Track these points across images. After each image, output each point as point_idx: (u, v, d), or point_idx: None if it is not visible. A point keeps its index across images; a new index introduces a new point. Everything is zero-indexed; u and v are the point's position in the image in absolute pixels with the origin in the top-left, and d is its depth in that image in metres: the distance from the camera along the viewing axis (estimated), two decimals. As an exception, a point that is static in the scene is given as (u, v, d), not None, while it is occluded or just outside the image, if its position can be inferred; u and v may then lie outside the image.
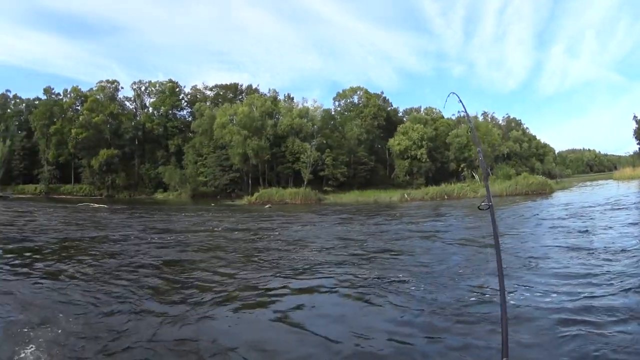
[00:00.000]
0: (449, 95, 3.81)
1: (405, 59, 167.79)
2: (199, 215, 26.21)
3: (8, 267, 8.61)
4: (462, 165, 54.59)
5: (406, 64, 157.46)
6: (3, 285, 7.12)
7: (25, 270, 8.37)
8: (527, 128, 61.73)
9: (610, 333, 4.35)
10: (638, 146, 79.76)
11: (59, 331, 4.92)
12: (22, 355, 4.24)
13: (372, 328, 5.00)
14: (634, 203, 19.57)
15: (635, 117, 79.44)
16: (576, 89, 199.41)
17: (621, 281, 6.20)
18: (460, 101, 3.69)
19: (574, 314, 4.93)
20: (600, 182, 52.52)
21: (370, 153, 59.39)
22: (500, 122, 61.54)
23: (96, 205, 35.64)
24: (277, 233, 15.24)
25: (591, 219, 14.94)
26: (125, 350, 4.48)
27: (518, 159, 53.42)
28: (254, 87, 69.36)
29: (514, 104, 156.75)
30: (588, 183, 51.98)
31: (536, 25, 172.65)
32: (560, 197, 30.98)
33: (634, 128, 78.44)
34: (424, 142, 58.07)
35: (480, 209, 2.49)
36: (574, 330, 4.50)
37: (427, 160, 57.94)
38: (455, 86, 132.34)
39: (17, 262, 9.28)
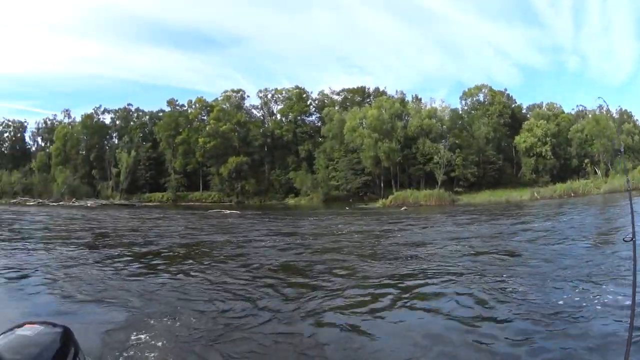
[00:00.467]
0: (597, 100, 3.43)
1: (522, 53, 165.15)
2: (336, 218, 27.60)
3: (143, 267, 9.74)
4: (585, 161, 54.95)
5: (524, 59, 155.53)
6: (129, 283, 7.99)
7: (153, 270, 9.48)
8: (637, 120, 62.12)
9: None
10: None
11: (175, 322, 5.52)
12: (138, 339, 4.84)
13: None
14: None
15: None
16: None
17: None
18: (605, 102, 4.13)
19: None
20: None
21: (498, 152, 60.76)
22: (614, 114, 61.18)
23: (227, 211, 37.60)
24: (410, 234, 16.32)
25: None
26: (232, 342, 5.04)
27: (631, 153, 53.43)
28: (380, 89, 70.78)
29: (626, 95, 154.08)
30: None
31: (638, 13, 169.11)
32: None
33: None
34: (547, 139, 59.19)
35: (625, 241, 2.43)
36: None
37: (551, 157, 59.10)
38: (571, 80, 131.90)
39: (151, 262, 10.53)
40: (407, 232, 17.35)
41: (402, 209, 38.26)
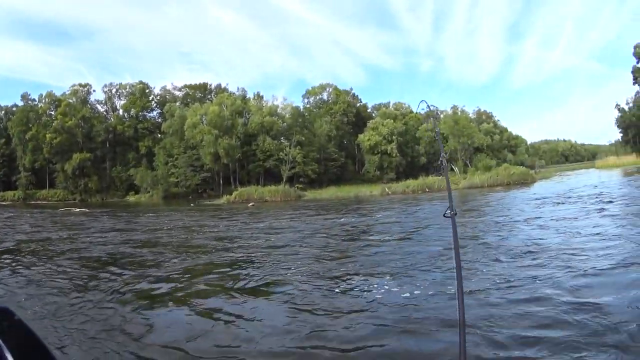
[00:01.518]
0: (420, 103, 4.04)
1: (373, 55, 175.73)
2: (178, 214, 28.16)
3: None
4: (439, 160, 52.37)
5: (374, 60, 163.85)
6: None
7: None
8: (498, 120, 63.19)
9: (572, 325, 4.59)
10: (620, 135, 79.36)
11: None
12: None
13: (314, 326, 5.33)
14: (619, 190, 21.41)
15: (617, 105, 79.19)
16: (552, 80, 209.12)
17: (580, 274, 6.63)
18: (429, 107, 3.75)
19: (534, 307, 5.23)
20: (581, 171, 55.52)
21: (340, 149, 62.46)
22: (471, 115, 64.02)
23: (77, 209, 37.90)
24: (257, 230, 16.62)
25: (564, 207, 16.70)
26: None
27: (490, 151, 56.43)
28: (223, 86, 72.66)
29: (485, 97, 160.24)
30: (568, 172, 54.75)
31: (509, 19, 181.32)
32: (542, 186, 32.54)
33: (616, 117, 78.13)
34: (394, 137, 60.83)
35: (445, 217, 2.39)
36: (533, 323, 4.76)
37: (397, 155, 60.68)
38: (424, 80, 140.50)
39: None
40: (254, 227, 17.89)
41: (250, 204, 38.72)
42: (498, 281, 6.50)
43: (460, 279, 2.00)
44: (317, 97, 68.22)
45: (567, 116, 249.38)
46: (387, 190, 44.14)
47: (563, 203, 18.17)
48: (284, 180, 53.53)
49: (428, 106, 3.63)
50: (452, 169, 50.98)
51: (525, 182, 40.02)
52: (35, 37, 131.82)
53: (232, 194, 47.54)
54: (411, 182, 45.55)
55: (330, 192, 48.18)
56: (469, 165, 53.29)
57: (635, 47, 67.09)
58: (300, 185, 53.92)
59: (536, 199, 21.51)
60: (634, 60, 69.42)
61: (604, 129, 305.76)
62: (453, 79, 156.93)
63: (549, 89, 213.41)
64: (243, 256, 10.45)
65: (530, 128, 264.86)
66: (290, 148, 55.91)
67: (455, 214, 2.30)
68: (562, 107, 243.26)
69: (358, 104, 70.15)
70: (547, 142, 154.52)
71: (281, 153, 56.21)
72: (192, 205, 41.95)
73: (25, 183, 64.52)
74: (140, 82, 69.61)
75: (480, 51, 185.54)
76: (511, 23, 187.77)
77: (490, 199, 25.36)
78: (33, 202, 59.28)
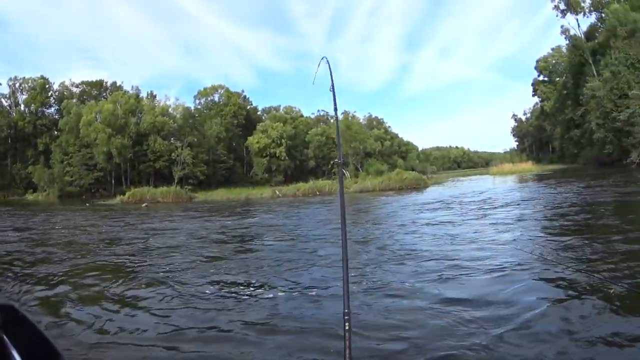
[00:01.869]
0: (321, 60, 3.59)
1: (267, 58, 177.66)
2: (77, 215, 27.96)
3: None
4: (332, 162, 56.74)
5: (267, 63, 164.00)
6: None
7: None
8: (389, 127, 64.06)
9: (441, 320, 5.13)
10: (516, 143, 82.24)
11: None
12: None
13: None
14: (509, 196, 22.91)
15: (514, 115, 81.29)
16: (448, 89, 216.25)
17: (447, 271, 7.40)
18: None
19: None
20: (475, 177, 57.55)
21: (230, 151, 63.90)
22: (362, 120, 66.54)
23: None
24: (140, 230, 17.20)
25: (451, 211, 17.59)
26: None
27: (380, 157, 57.91)
28: (118, 84, 73.22)
29: (378, 103, 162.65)
30: (462, 178, 56.65)
31: (408, 28, 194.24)
32: (434, 191, 34.19)
33: (512, 126, 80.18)
34: (283, 140, 62.34)
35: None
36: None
37: (286, 158, 62.25)
38: (316, 85, 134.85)
39: None
40: (144, 228, 18.26)
41: (143, 205, 39.22)
42: (364, 284, 7.03)
43: (346, 276, 2.25)
44: (209, 99, 69.09)
45: (462, 124, 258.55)
46: (277, 192, 45.07)
47: (448, 208, 19.00)
48: (176, 181, 54.56)
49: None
50: (343, 173, 49.73)
51: (417, 186, 40.95)
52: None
53: (125, 194, 48.06)
54: (302, 185, 46.55)
55: (220, 194, 49.00)
56: (360, 169, 54.56)
57: (537, 62, 70.52)
58: (190, 187, 54.61)
59: (421, 203, 22.55)
60: (535, 74, 75.91)
61: (500, 137, 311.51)
62: (345, 84, 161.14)
63: (444, 97, 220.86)
64: (121, 259, 10.71)
65: (423, 135, 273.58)
66: (182, 149, 57.07)
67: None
68: (457, 115, 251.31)
69: (249, 107, 71.10)
70: (438, 148, 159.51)
71: (173, 154, 57.51)
72: (87, 205, 42.12)
73: None
74: (42, 77, 69.32)
75: (375, 58, 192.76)
76: (410, 32, 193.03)
77: (376, 203, 26.38)
78: None
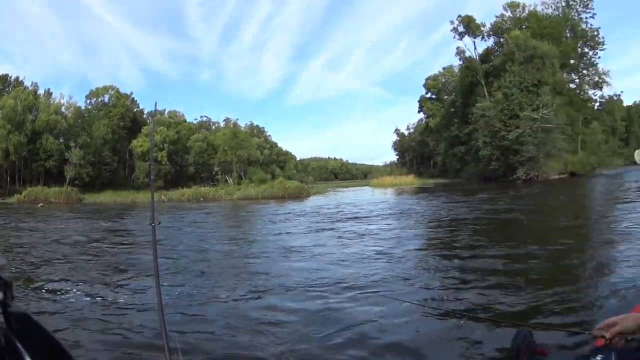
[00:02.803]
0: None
1: (157, 61, 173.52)
2: None
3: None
4: (216, 169, 59.07)
5: (157, 66, 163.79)
6: None
7: None
8: (269, 135, 64.37)
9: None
10: (397, 157, 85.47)
11: None
12: None
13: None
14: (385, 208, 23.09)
15: (397, 130, 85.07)
16: (332, 101, 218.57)
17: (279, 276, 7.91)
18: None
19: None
20: (355, 188, 58.75)
21: (114, 153, 63.23)
22: (243, 128, 67.82)
23: None
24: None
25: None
26: None
27: (259, 165, 59.16)
28: (20, 79, 69.86)
29: (264, 111, 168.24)
30: (342, 189, 57.68)
31: (300, 38, 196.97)
32: (314, 201, 34.72)
33: (394, 140, 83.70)
34: (165, 145, 62.53)
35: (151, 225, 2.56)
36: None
37: (167, 163, 62.43)
38: (202, 90, 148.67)
39: None
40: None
41: (39, 205, 38.81)
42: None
43: (158, 286, 2.21)
44: (99, 99, 68.08)
45: (343, 136, 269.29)
46: (163, 197, 44.71)
47: (315, 219, 18.92)
48: (67, 181, 53.86)
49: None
50: (226, 180, 53.42)
51: (299, 196, 41.65)
52: None
53: (22, 194, 47.62)
54: (186, 191, 47.38)
55: (108, 197, 48.93)
56: (244, 177, 55.39)
57: (427, 79, 73.51)
58: (76, 188, 52.83)
59: (297, 213, 22.46)
60: (423, 91, 79.01)
61: (380, 150, 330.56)
62: (233, 91, 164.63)
63: (327, 109, 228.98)
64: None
65: (304, 145, 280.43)
66: (75, 149, 56.17)
67: (159, 222, 2.55)
68: (339, 127, 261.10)
69: (135, 109, 70.22)
70: (316, 159, 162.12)
71: (66, 154, 56.62)
72: None
73: None
74: None
75: (265, 66, 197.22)
76: (301, 43, 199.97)
77: (254, 212, 26.63)
78: None
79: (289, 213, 22.81)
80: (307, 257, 9.89)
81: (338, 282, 7.23)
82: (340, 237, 12.95)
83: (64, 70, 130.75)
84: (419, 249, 10.66)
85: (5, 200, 45.95)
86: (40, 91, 65.70)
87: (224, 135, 58.47)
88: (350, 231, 14.11)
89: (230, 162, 55.49)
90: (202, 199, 43.54)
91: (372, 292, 6.53)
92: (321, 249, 10.90)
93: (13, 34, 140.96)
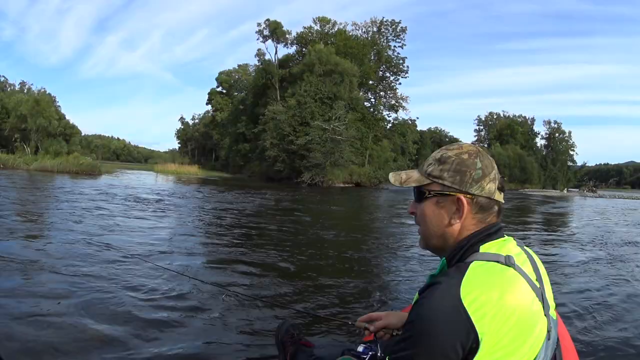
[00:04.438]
0: None
1: None
2: None
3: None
4: (16, 136, 54.91)
5: None
6: None
7: None
8: (59, 106, 61.31)
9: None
10: (179, 144, 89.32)
11: None
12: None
13: None
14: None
15: (182, 118, 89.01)
16: (121, 79, 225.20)
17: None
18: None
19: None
20: (142, 172, 59.30)
21: None
22: (37, 95, 60.69)
23: None
24: None
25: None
26: None
27: (42, 136, 54.14)
28: None
29: (54, 79, 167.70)
30: (129, 171, 57.32)
31: (103, 10, 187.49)
32: (110, 180, 34.00)
33: (178, 128, 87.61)
34: None
35: None
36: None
37: None
38: (2, 48, 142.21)
39: None
40: None
41: None
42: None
43: None
44: None
45: (128, 116, 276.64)
46: None
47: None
48: None
49: None
50: (24, 149, 51.50)
51: (92, 173, 41.80)
52: None
53: None
54: None
55: None
56: (40, 148, 52.98)
57: (219, 74, 77.85)
58: None
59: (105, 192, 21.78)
60: (214, 84, 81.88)
61: (163, 136, 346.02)
62: (30, 53, 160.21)
63: (116, 86, 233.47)
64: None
65: (88, 120, 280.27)
66: None
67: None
68: (125, 107, 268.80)
69: None
70: (100, 137, 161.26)
71: None
72: None
73: None
74: None
75: (63, 33, 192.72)
76: (104, 16, 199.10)
77: (62, 187, 24.35)
78: None
79: (97, 189, 22.74)
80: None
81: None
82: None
83: None
84: (198, 234, 11.13)
85: None
86: None
87: (27, 102, 54.52)
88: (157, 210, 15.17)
89: (29, 131, 52.73)
90: (1, 166, 42.00)
91: (145, 260, 6.75)
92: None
93: None
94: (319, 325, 4.53)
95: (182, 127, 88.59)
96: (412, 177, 1.48)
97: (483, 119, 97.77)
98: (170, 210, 15.98)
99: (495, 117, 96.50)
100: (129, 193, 22.15)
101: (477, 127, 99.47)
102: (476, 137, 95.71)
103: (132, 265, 6.69)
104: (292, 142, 50.35)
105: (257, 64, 66.67)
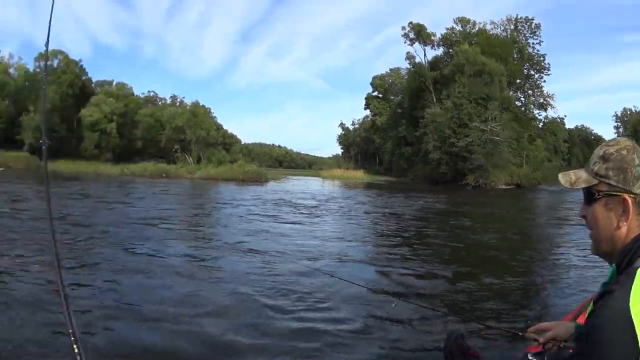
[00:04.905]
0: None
1: (102, 29, 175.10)
2: None
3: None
4: (176, 147, 57.80)
5: (101, 35, 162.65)
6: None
7: None
8: (215, 116, 64.75)
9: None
10: (341, 150, 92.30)
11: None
12: None
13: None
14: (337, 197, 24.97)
15: (342, 124, 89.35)
16: (273, 88, 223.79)
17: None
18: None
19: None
20: (308, 178, 61.66)
21: (62, 122, 60.84)
22: (189, 107, 64.79)
23: None
24: None
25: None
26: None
27: (202, 146, 56.30)
28: None
29: (204, 91, 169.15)
30: (294, 177, 59.98)
31: (244, 23, 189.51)
32: (275, 186, 35.68)
33: (339, 134, 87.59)
34: (114, 117, 62.36)
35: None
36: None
37: (116, 135, 62.50)
38: (145, 64, 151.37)
39: None
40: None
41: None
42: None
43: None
44: (48, 63, 63.88)
45: (283, 124, 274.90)
46: (125, 170, 45.64)
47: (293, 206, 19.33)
48: (27, 147, 51.98)
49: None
50: (186, 159, 54.04)
51: (259, 180, 43.15)
52: None
53: None
54: (149, 166, 47.73)
55: (67, 166, 46.54)
56: (202, 157, 55.13)
57: (374, 78, 78.44)
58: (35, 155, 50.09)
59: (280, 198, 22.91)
60: (369, 89, 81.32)
61: (322, 142, 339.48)
62: (173, 68, 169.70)
63: (269, 95, 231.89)
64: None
65: (244, 129, 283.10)
66: (34, 114, 54.36)
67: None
68: (280, 115, 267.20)
69: (84, 77, 68.34)
70: (261, 145, 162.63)
71: (25, 117, 55.28)
72: None
73: None
74: None
75: (207, 46, 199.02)
76: (246, 27, 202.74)
77: (234, 195, 25.72)
78: None
79: (258, 197, 23.53)
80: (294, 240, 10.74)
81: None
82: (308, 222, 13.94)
83: (8, 29, 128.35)
84: (378, 241, 11.66)
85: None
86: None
87: (183, 114, 58.62)
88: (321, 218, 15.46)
89: (188, 141, 55.74)
90: (164, 175, 44.32)
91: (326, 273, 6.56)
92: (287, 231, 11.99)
93: None
94: (483, 333, 4.51)
95: (343, 132, 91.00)
96: (581, 177, 1.40)
97: (619, 114, 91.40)
98: (339, 214, 16.68)
99: (629, 113, 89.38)
100: (300, 198, 23.09)
101: (615, 124, 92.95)
102: (616, 135, 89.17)
103: (308, 276, 6.91)
104: (454, 145, 50.15)
105: (409, 67, 66.96)
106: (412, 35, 63.24)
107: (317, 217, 15.67)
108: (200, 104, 60.54)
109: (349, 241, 11.01)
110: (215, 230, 12.35)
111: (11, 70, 60.60)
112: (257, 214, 15.47)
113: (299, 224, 13.57)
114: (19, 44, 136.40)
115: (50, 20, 2.72)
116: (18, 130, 55.94)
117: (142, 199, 20.37)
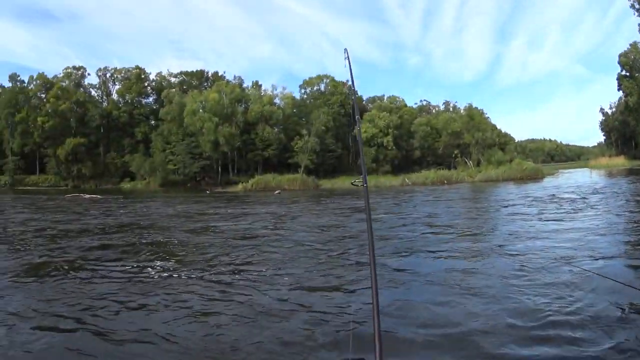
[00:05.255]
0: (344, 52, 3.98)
1: (362, 48, 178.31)
2: (219, 203, 26.53)
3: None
4: (455, 152, 59.42)
5: (362, 54, 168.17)
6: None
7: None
8: (488, 117, 65.39)
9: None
10: (604, 137, 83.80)
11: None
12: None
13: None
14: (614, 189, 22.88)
15: (602, 109, 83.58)
16: (537, 81, 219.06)
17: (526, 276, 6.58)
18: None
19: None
20: (577, 170, 59.23)
21: (337, 140, 65.25)
22: (462, 111, 66.04)
23: (87, 195, 36.81)
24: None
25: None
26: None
27: (481, 148, 57.03)
28: (220, 74, 75.16)
29: (471, 94, 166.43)
30: (565, 171, 58.05)
31: (497, 19, 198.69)
32: (552, 182, 34.68)
33: (600, 120, 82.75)
34: (390, 130, 64.08)
35: (353, 185, 2.78)
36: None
37: (393, 148, 63.87)
38: (411, 76, 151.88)
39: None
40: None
41: (276, 192, 40.97)
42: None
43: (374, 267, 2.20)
44: (314, 88, 70.78)
45: (550, 117, 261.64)
46: (406, 180, 47.53)
47: (573, 199, 18.80)
48: (302, 169, 55.94)
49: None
50: (465, 163, 55.32)
51: (535, 177, 43.21)
52: (17, 15, 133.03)
53: (247, 182, 50.22)
54: (430, 174, 49.11)
55: (344, 181, 48.96)
56: (481, 159, 55.36)
57: (619, 56, 71.95)
58: (312, 175, 54.75)
59: (549, 194, 22.20)
60: (618, 68, 75.22)
61: (587, 131, 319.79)
62: (439, 75, 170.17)
63: (533, 89, 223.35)
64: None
65: (515, 126, 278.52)
66: (309, 137, 58.90)
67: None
68: (546, 108, 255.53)
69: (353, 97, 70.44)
70: (533, 141, 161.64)
71: (299, 142, 59.38)
72: (207, 192, 43.72)
73: (13, 168, 65.10)
74: (137, 67, 71.36)
75: (468, 49, 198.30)
76: (499, 24, 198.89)
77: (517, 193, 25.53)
78: (21, 188, 58.78)
79: (538, 195, 22.28)
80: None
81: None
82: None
83: (265, 64, 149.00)
84: None
85: (226, 190, 47.60)
86: (245, 84, 69.82)
87: (460, 118, 59.43)
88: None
89: (468, 145, 56.15)
90: (445, 182, 44.93)
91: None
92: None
93: (196, 32, 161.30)
94: None
95: (604, 118, 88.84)
96: None
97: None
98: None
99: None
100: (574, 192, 21.71)
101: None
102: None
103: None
104: None
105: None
106: (637, 5, 59.94)
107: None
108: (474, 107, 62.37)
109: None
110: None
111: (276, 100, 65.80)
112: (528, 214, 14.73)
113: (561, 220, 12.65)
114: (279, 76, 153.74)
115: (350, 68, 3.52)
116: (290, 154, 60.51)
117: (428, 206, 20.87)
